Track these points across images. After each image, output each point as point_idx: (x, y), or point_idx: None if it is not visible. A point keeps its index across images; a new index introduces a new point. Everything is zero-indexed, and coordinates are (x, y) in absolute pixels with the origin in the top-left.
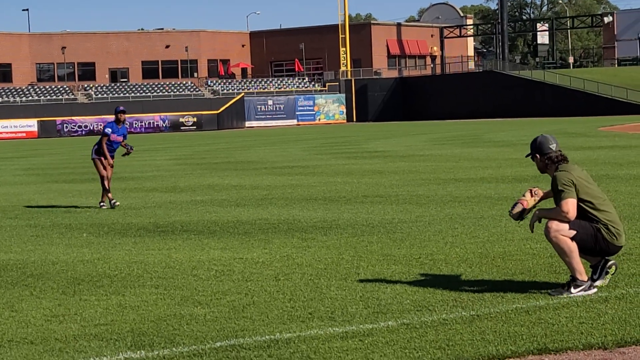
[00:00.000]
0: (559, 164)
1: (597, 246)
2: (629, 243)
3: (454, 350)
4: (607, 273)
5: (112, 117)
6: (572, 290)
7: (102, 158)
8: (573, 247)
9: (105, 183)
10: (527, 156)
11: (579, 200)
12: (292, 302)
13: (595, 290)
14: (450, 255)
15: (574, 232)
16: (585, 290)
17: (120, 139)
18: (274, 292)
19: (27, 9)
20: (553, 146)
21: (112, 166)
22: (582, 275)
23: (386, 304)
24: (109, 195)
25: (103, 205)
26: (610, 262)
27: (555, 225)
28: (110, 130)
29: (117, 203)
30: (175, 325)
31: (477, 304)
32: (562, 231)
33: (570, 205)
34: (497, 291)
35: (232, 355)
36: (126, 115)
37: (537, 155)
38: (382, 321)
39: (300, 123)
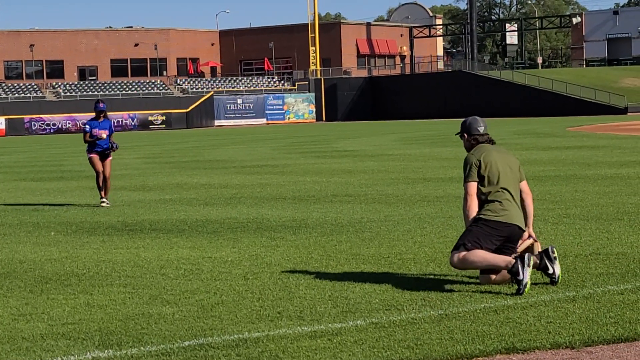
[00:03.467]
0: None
1: (494, 229)
2: (596, 243)
3: (422, 350)
4: (555, 259)
5: (80, 116)
6: (519, 278)
7: (93, 155)
8: (478, 253)
9: (100, 180)
10: (456, 134)
11: (479, 176)
12: (261, 302)
13: (528, 257)
14: (419, 254)
15: (465, 251)
16: (523, 267)
17: (103, 133)
18: (242, 291)
19: None
20: (481, 129)
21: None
22: (509, 262)
23: (355, 303)
24: (102, 193)
25: (104, 204)
26: (549, 249)
27: (453, 259)
28: (88, 127)
29: (105, 204)
30: (144, 324)
31: (446, 303)
32: (460, 255)
33: (470, 188)
34: (466, 291)
35: (201, 354)
36: (104, 111)
37: (465, 135)
38: (351, 320)
39: (269, 122)
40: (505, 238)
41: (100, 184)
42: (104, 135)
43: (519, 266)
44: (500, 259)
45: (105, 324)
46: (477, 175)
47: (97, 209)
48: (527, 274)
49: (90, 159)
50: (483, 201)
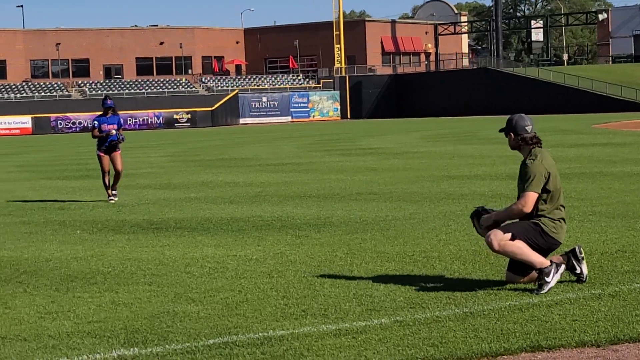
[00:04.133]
0: (532, 147)
1: (544, 241)
2: (622, 241)
3: (447, 348)
4: (582, 259)
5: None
6: (547, 279)
7: (102, 153)
8: (520, 245)
9: (106, 179)
10: (500, 131)
11: (543, 189)
12: (286, 300)
13: (564, 267)
14: (443, 252)
15: (509, 235)
16: (555, 273)
17: (111, 127)
18: (267, 290)
19: (22, 6)
20: (528, 127)
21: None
22: (544, 262)
23: (379, 302)
24: (108, 191)
25: (111, 200)
26: (576, 249)
27: (493, 235)
28: (97, 122)
29: (112, 200)
30: (169, 323)
31: (470, 301)
32: (502, 239)
33: (531, 199)
34: (491, 288)
35: (225, 352)
36: (112, 107)
37: (512, 134)
38: (375, 318)
39: (294, 120)
40: (545, 250)
41: (107, 182)
42: (114, 132)
43: (553, 270)
44: (538, 258)
45: (131, 322)
46: (543, 187)
47: (123, 207)
48: (555, 280)
49: (98, 157)
50: (540, 214)
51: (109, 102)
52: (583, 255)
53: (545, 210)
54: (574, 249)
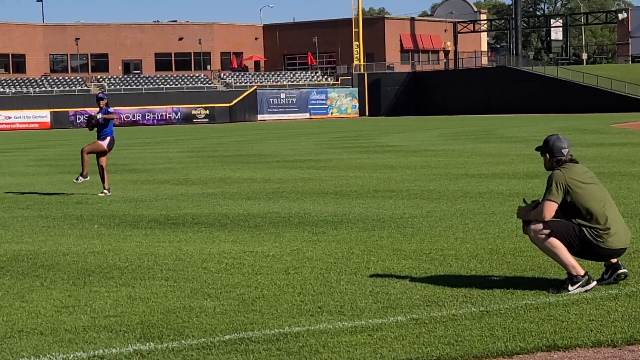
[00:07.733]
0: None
1: (584, 247)
2: None
3: (462, 346)
4: (616, 280)
5: (124, 109)
6: (570, 287)
7: (100, 141)
8: (555, 244)
9: (85, 156)
10: (537, 149)
11: (564, 202)
12: (302, 296)
13: (595, 284)
14: (460, 250)
15: (548, 231)
16: (582, 286)
17: (96, 114)
18: (283, 286)
19: (42, 0)
20: (565, 150)
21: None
22: (577, 269)
23: (395, 299)
24: (104, 183)
25: (80, 180)
26: (620, 271)
27: (533, 226)
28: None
29: (80, 180)
30: (185, 318)
31: (487, 300)
32: (540, 232)
33: (547, 208)
34: (507, 287)
35: (241, 348)
36: (103, 102)
37: (547, 155)
38: (391, 316)
39: (312, 117)
40: (594, 256)
41: (85, 158)
42: (98, 115)
43: (581, 282)
44: (570, 261)
45: (147, 317)
46: (563, 199)
47: (139, 203)
48: (577, 292)
49: (97, 144)
50: (579, 223)
51: (100, 94)
52: (621, 279)
53: (583, 220)
54: (619, 269)
